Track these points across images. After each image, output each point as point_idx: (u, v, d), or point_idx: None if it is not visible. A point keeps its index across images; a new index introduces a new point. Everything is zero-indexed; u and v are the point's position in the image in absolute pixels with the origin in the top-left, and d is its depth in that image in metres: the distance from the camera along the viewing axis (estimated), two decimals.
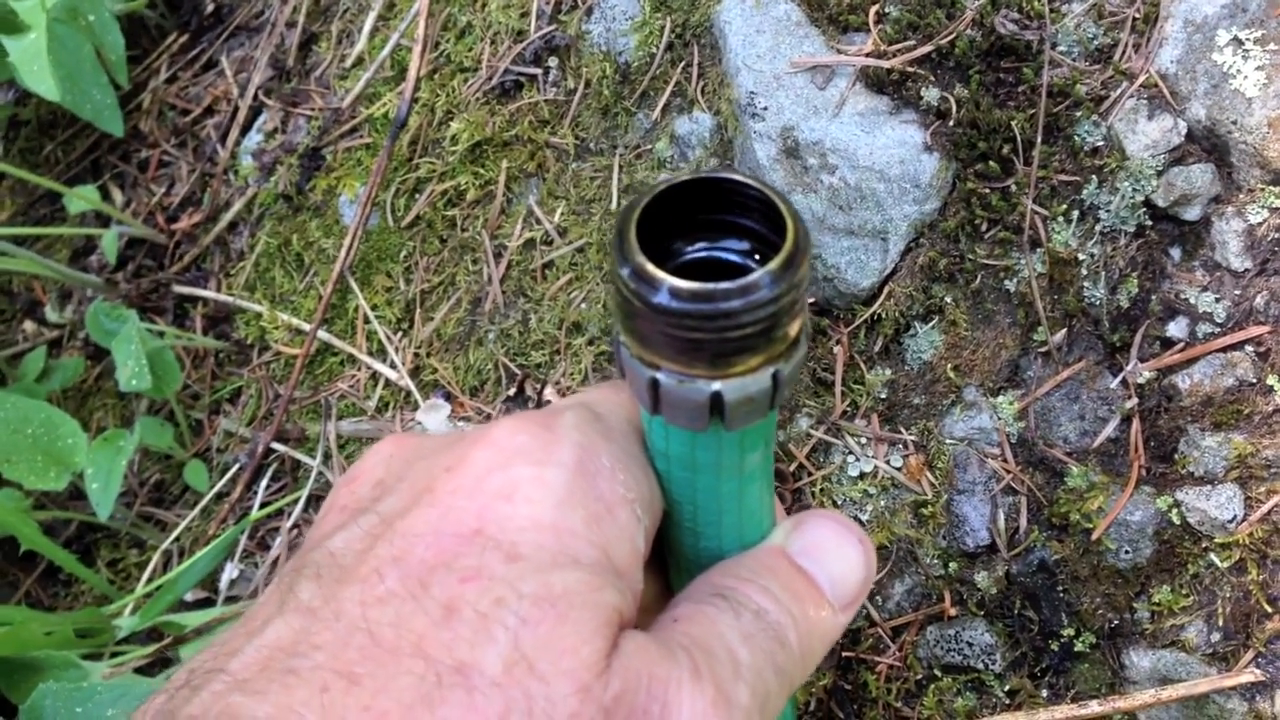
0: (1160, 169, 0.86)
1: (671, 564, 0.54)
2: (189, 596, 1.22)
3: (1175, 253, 0.88)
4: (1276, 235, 0.84)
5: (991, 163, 0.90)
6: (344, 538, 0.43)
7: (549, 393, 1.08)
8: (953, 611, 0.92)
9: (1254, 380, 0.84)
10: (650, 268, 0.39)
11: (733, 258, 0.43)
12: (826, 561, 0.50)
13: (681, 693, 0.40)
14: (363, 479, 0.48)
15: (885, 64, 0.93)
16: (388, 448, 0.49)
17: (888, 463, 0.95)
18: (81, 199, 1.31)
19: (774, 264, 0.39)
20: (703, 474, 0.47)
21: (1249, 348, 0.84)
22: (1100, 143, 0.88)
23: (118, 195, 1.43)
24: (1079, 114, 0.89)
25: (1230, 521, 0.83)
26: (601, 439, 0.45)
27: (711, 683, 0.41)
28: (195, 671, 0.39)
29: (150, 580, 1.23)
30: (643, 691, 0.40)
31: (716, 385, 0.40)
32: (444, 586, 0.39)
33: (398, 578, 0.40)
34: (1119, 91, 0.88)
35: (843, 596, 0.50)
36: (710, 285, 0.38)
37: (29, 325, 1.43)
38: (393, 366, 1.18)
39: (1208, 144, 0.86)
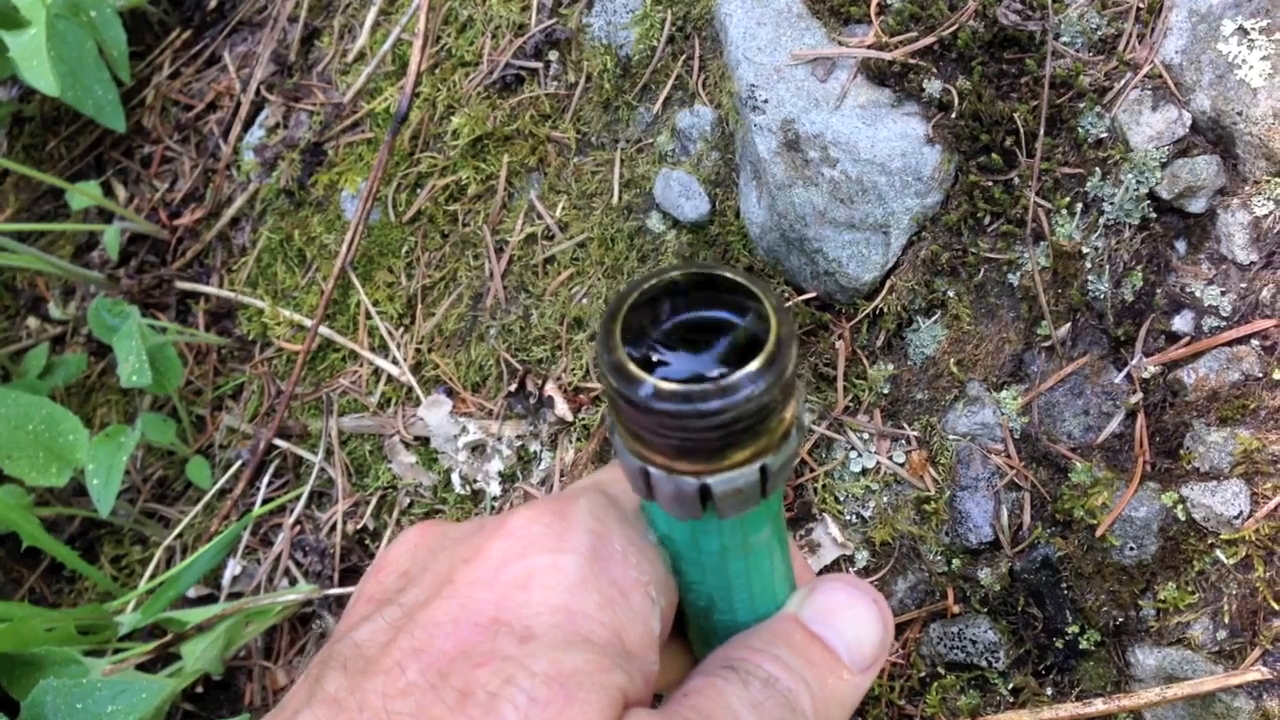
0: (1165, 161, 0.85)
1: (691, 635, 0.55)
2: (191, 593, 1.22)
3: (1180, 246, 0.87)
4: None
5: (994, 155, 0.89)
6: (369, 629, 0.45)
7: (550, 388, 1.07)
8: (956, 609, 0.91)
9: (1260, 374, 0.83)
10: (631, 367, 0.39)
11: (727, 315, 0.43)
12: (841, 625, 0.51)
13: None
14: (388, 569, 0.50)
15: (887, 56, 0.92)
16: (413, 537, 0.51)
17: (890, 459, 0.94)
18: (84, 195, 1.30)
19: (755, 363, 0.39)
20: (707, 555, 0.48)
21: (1255, 341, 0.83)
22: (1104, 134, 0.87)
23: (120, 191, 1.43)
24: (1082, 105, 0.88)
25: (1236, 517, 0.82)
26: (615, 523, 0.46)
27: None
28: None
29: (153, 577, 1.23)
30: None
31: (705, 479, 0.41)
32: (461, 675, 0.41)
33: (418, 669, 0.41)
34: (1123, 82, 0.87)
35: (860, 659, 0.50)
36: (690, 386, 0.38)
37: (32, 321, 1.43)
38: (394, 362, 1.18)
39: (1213, 135, 0.85)
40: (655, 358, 0.41)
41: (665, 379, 0.39)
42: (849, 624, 0.50)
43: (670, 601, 0.48)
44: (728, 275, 0.42)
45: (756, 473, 0.41)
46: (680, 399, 0.38)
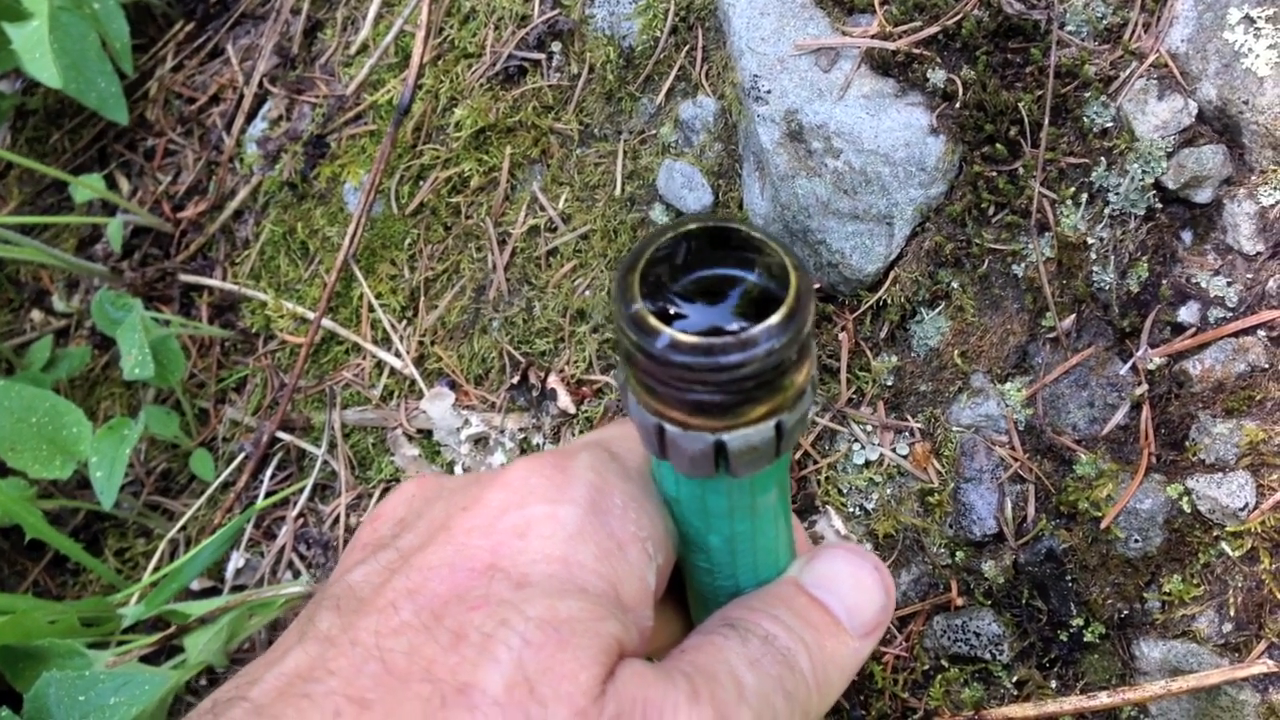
0: (1170, 150, 0.84)
1: (691, 601, 0.55)
2: (195, 585, 1.22)
3: (1186, 236, 0.86)
4: None
5: (998, 145, 0.89)
6: (363, 571, 0.45)
7: (553, 380, 1.07)
8: (960, 601, 0.91)
9: (1266, 365, 0.82)
10: (650, 319, 0.39)
11: (744, 271, 0.42)
12: (841, 590, 0.51)
13: (678, 715, 0.41)
14: (385, 517, 0.50)
15: (891, 45, 0.91)
16: (411, 488, 0.51)
17: (894, 450, 0.93)
18: (87, 187, 1.30)
19: (776, 317, 0.38)
20: (714, 516, 0.47)
21: (1261, 332, 0.83)
22: (1109, 124, 0.87)
23: (124, 184, 1.43)
24: (1088, 95, 0.87)
25: (1242, 509, 0.81)
26: (616, 478, 0.47)
27: (710, 705, 0.42)
28: (218, 701, 0.41)
29: (157, 569, 1.23)
30: (638, 715, 0.40)
31: (720, 435, 0.40)
32: (455, 617, 0.41)
33: (412, 610, 0.41)
34: (1128, 72, 0.87)
35: (861, 625, 0.50)
36: (710, 340, 0.38)
37: (36, 314, 1.43)
38: (397, 355, 1.18)
39: (1219, 125, 0.84)
40: (672, 310, 0.41)
41: (683, 331, 0.38)
42: (850, 590, 0.51)
43: (668, 559, 0.48)
44: (745, 230, 0.42)
45: (772, 430, 0.41)
46: (700, 351, 0.38)
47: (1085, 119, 0.87)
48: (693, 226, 0.42)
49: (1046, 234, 0.88)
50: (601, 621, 0.41)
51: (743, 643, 0.46)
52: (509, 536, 0.43)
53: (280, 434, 1.22)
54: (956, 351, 0.92)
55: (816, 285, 0.95)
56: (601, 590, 0.43)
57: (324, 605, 0.43)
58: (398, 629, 0.40)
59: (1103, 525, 0.85)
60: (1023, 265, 0.89)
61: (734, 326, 0.39)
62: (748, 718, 0.43)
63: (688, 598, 0.55)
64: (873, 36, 0.93)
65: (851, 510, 0.94)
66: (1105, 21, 0.89)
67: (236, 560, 1.21)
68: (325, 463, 1.20)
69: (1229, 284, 0.84)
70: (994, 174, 0.89)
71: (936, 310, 0.92)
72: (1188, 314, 0.85)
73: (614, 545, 0.44)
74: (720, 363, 0.38)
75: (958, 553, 0.91)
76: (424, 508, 0.48)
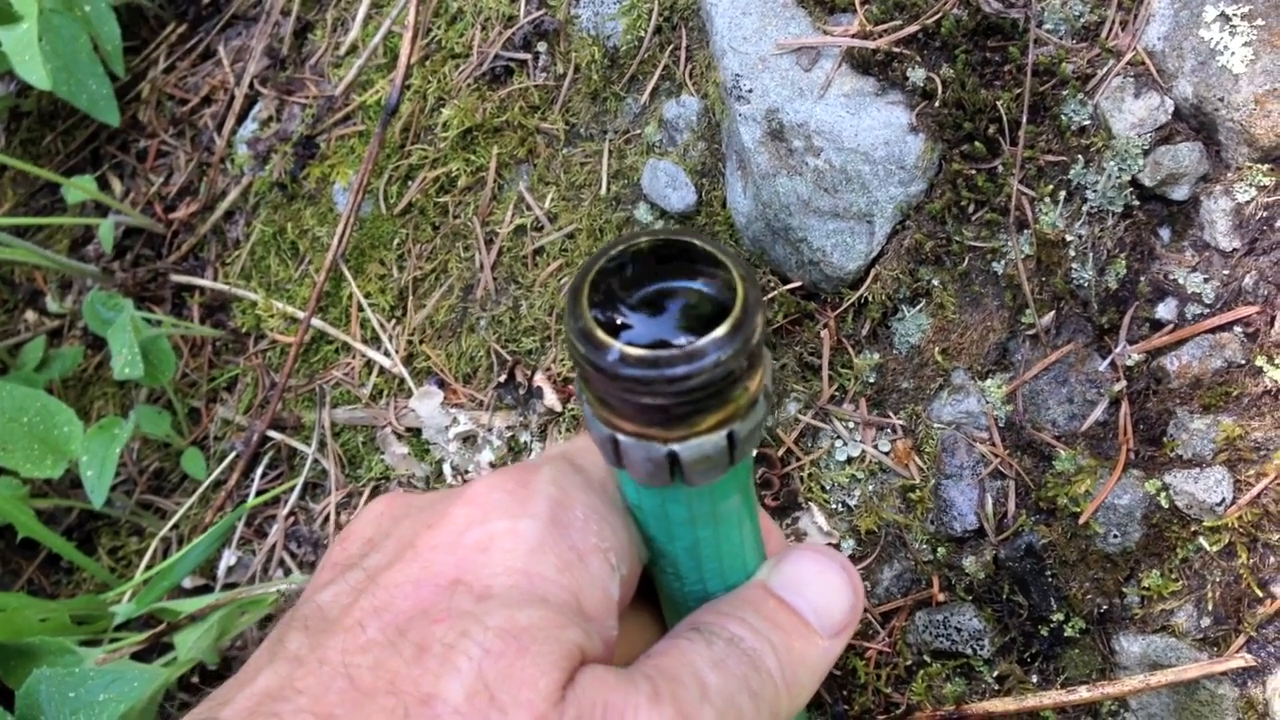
0: (1147, 148, 0.85)
1: (664, 607, 0.55)
2: (188, 583, 1.23)
3: (1164, 233, 0.86)
4: (1264, 214, 0.83)
5: (978, 143, 0.89)
6: (332, 592, 0.46)
7: (539, 378, 1.08)
8: (941, 597, 0.91)
9: (1243, 361, 0.83)
10: (599, 332, 0.39)
11: (694, 283, 0.43)
12: (809, 592, 0.51)
13: (638, 717, 0.42)
14: (354, 538, 0.51)
15: (871, 44, 0.92)
16: (379, 506, 0.52)
17: (876, 447, 0.94)
18: (79, 189, 1.31)
19: (722, 329, 0.39)
20: (676, 524, 0.48)
21: (1238, 328, 0.83)
22: (1086, 122, 0.87)
23: (117, 185, 1.44)
24: (1065, 93, 0.88)
25: (1219, 504, 0.82)
26: (578, 491, 0.47)
27: (671, 705, 0.43)
28: None
29: (149, 567, 1.23)
30: (598, 718, 0.41)
31: (672, 446, 0.41)
32: (419, 630, 0.42)
33: (378, 627, 0.42)
34: (1105, 69, 0.87)
35: (830, 625, 0.51)
36: (657, 352, 0.38)
37: (30, 315, 1.44)
38: (386, 354, 1.18)
39: (1195, 122, 0.85)
40: (620, 322, 0.41)
41: (632, 344, 0.39)
42: (818, 591, 0.51)
43: (632, 569, 0.49)
44: (696, 243, 0.42)
45: (724, 439, 0.41)
46: (647, 364, 0.38)
47: (1063, 117, 0.88)
48: (643, 241, 0.42)
49: (1025, 231, 0.89)
50: (562, 629, 0.42)
51: (708, 645, 0.47)
52: (472, 552, 0.44)
53: (271, 433, 1.23)
54: (937, 348, 0.92)
55: (798, 283, 0.96)
56: (563, 600, 0.43)
57: (293, 626, 0.44)
58: (364, 646, 0.41)
59: (1081, 521, 0.86)
60: (1002, 263, 0.90)
61: (681, 340, 0.40)
62: (710, 717, 0.44)
63: (661, 605, 0.56)
64: (853, 35, 0.93)
65: (834, 507, 0.95)
66: (1083, 20, 0.89)
67: (228, 558, 1.21)
68: (315, 461, 1.21)
69: (1206, 280, 0.84)
70: (973, 172, 0.90)
71: (917, 308, 0.93)
72: (1165, 310, 0.86)
73: (575, 557, 0.45)
74: (668, 374, 0.38)
75: (939, 548, 0.91)
76: (391, 527, 0.49)
